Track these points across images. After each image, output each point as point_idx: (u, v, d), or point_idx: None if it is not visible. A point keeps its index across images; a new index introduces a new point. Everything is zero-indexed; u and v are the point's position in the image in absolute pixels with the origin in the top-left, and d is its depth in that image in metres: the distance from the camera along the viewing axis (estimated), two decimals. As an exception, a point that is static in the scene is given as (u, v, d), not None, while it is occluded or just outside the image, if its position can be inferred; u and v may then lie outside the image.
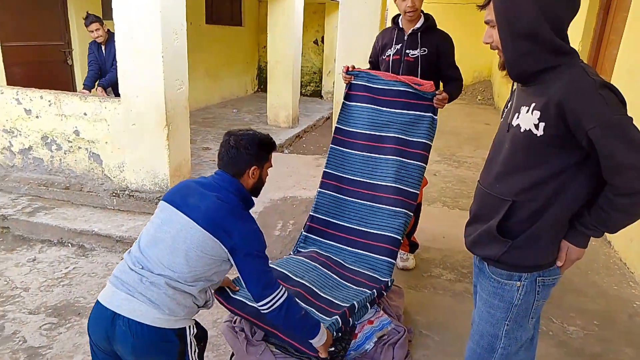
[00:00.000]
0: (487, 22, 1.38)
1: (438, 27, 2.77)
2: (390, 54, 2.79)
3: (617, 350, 2.47)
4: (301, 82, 9.75)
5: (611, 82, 1.30)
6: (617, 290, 3.05)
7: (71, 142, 4.19)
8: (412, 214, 2.46)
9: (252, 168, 1.72)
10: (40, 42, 5.99)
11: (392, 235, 2.39)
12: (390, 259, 2.37)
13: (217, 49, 8.76)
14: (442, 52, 2.73)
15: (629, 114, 1.26)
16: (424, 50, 2.71)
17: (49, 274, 3.19)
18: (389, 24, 2.92)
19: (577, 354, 2.44)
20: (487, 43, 1.40)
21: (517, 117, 1.37)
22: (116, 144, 4.05)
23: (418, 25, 2.73)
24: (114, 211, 3.98)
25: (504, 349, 1.51)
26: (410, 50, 2.73)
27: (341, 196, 2.61)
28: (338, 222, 2.57)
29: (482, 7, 1.40)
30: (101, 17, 6.51)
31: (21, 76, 5.60)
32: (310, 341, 1.80)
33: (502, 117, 1.55)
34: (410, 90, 2.52)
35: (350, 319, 2.07)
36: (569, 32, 1.33)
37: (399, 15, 2.80)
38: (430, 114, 2.53)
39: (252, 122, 7.58)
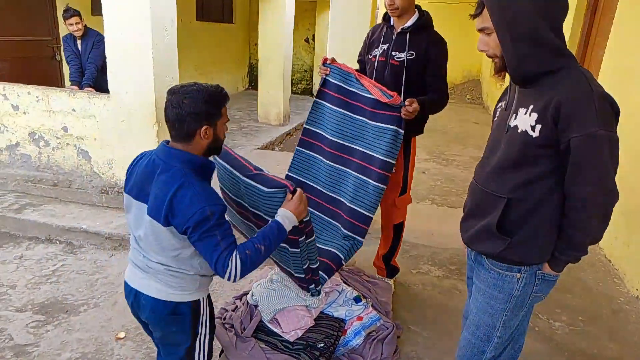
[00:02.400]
0: (481, 30, 1.39)
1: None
2: (376, 55, 2.49)
3: (602, 346, 2.52)
4: (292, 80, 9.74)
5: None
6: (601, 287, 3.10)
7: (59, 138, 4.15)
8: (362, 239, 2.24)
9: (203, 129, 1.51)
10: (28, 38, 5.92)
11: (335, 251, 2.20)
12: (325, 275, 2.13)
13: (207, 46, 8.72)
14: (431, 57, 2.38)
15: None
16: (411, 54, 2.37)
17: (36, 272, 3.16)
18: (379, 21, 2.67)
19: (563, 349, 2.48)
20: (482, 51, 1.42)
21: (515, 118, 1.40)
22: (105, 141, 4.02)
23: (409, 23, 2.38)
24: (103, 208, 3.95)
25: (499, 338, 1.56)
26: (397, 53, 2.40)
27: None
28: None
29: (475, 15, 1.39)
30: (90, 13, 6.47)
31: (8, 71, 5.53)
32: (291, 231, 1.65)
33: (495, 116, 1.56)
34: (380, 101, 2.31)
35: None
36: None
37: None
38: (394, 127, 2.27)
39: (243, 120, 7.56)
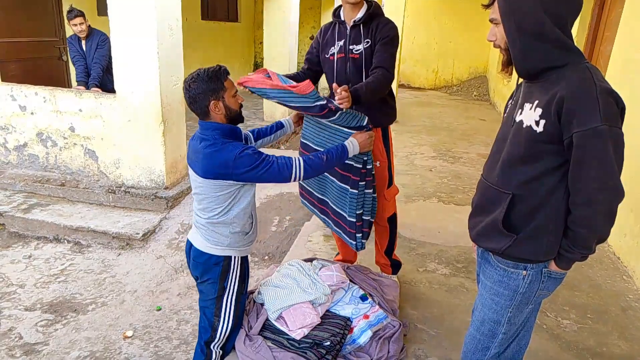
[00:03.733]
0: (491, 21, 1.42)
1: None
2: (334, 52, 2.47)
3: (611, 344, 2.50)
4: (297, 78, 9.72)
5: (606, 78, 1.32)
6: (610, 284, 3.07)
7: (66, 138, 4.18)
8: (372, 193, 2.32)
9: (211, 103, 1.82)
10: (35, 38, 5.96)
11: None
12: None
13: (213, 45, 8.74)
14: (380, 38, 2.35)
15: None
16: (367, 42, 2.37)
17: (44, 271, 3.19)
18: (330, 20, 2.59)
19: (571, 347, 2.46)
20: (491, 41, 1.45)
21: (521, 113, 1.40)
22: (112, 141, 4.05)
23: (359, 15, 2.38)
24: (110, 207, 3.98)
25: (504, 334, 1.55)
26: (354, 46, 2.40)
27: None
28: (315, 194, 2.55)
29: (487, 6, 1.43)
30: (96, 13, 6.49)
31: (15, 72, 5.57)
32: (353, 170, 2.15)
33: (505, 112, 1.57)
34: (302, 104, 2.02)
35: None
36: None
37: (340, 6, 2.48)
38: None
39: (249, 118, 7.57)
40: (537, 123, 1.32)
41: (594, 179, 1.26)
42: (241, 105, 1.94)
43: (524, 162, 1.38)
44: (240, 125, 1.98)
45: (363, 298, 2.38)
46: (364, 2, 2.40)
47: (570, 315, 2.71)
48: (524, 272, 1.46)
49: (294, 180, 1.88)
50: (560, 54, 1.31)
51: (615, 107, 1.25)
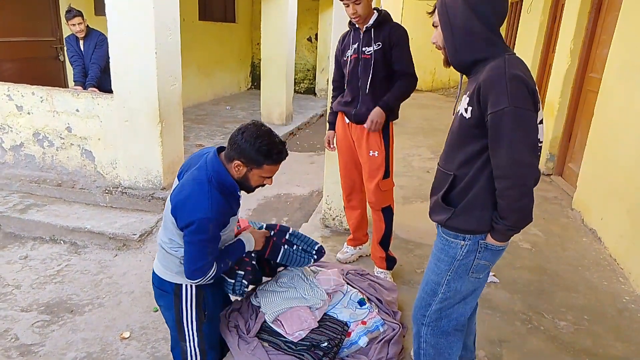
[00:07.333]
0: (434, 25, 1.64)
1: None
2: (349, 55, 2.77)
3: (607, 345, 2.51)
4: (295, 79, 9.74)
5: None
6: (607, 286, 3.08)
7: (63, 138, 4.17)
8: None
9: (238, 163, 1.66)
10: (32, 38, 5.94)
11: None
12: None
13: (210, 46, 8.73)
14: (394, 43, 2.64)
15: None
16: (379, 45, 2.65)
17: (41, 272, 3.18)
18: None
19: (568, 348, 2.47)
20: (433, 43, 1.66)
21: (459, 104, 1.63)
22: (109, 141, 4.03)
23: (371, 21, 2.67)
24: (107, 208, 3.96)
25: (443, 294, 1.76)
26: (366, 47, 2.68)
27: None
28: None
29: (431, 13, 1.66)
30: (94, 13, 6.47)
31: (12, 72, 5.55)
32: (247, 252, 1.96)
33: None
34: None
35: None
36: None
37: None
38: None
39: (246, 119, 7.55)
40: (467, 110, 1.53)
41: (505, 155, 1.44)
42: (259, 186, 1.80)
43: (460, 145, 1.60)
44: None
45: (361, 303, 2.37)
46: (374, 11, 2.67)
47: (567, 317, 2.72)
48: (462, 242, 1.65)
49: (195, 282, 1.77)
50: (485, 47, 1.51)
51: (525, 90, 1.41)
